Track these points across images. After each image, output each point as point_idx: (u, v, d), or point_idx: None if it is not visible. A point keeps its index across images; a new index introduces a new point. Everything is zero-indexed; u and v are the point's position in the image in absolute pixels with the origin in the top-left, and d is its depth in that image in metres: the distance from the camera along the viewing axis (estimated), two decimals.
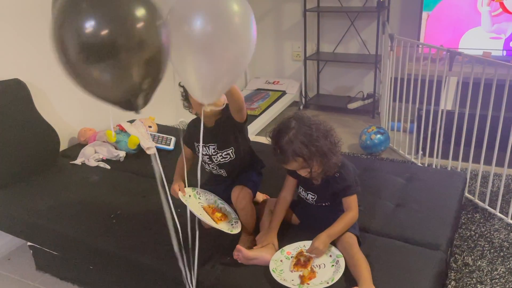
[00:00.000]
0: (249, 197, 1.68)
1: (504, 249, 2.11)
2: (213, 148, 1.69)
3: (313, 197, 1.69)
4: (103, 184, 2.22)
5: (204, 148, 1.70)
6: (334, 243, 1.60)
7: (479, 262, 2.04)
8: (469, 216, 2.38)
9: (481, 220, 2.34)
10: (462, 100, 2.51)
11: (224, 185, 1.78)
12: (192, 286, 1.52)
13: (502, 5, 3.11)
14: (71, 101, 2.57)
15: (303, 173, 1.57)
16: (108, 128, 2.54)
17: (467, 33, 3.32)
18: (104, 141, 2.52)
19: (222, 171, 1.76)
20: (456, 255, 2.08)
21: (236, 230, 1.64)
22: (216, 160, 1.71)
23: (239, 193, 1.66)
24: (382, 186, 2.05)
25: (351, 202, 1.62)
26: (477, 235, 2.23)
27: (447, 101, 2.67)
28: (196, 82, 1.30)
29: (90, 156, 2.41)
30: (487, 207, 2.43)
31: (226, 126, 1.65)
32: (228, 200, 1.74)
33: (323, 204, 1.70)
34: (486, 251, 2.11)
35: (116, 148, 2.49)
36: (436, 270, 1.52)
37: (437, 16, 3.36)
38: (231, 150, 1.69)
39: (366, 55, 4.01)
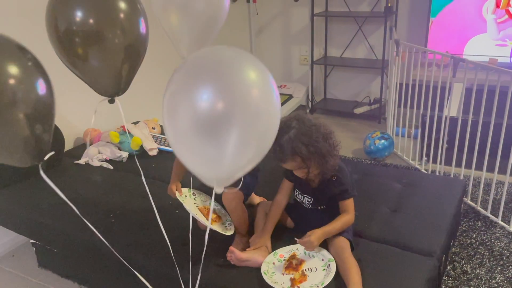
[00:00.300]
0: (239, 199, 1.69)
1: (504, 258, 2.09)
2: None
3: (309, 200, 1.70)
4: (105, 184, 2.26)
5: None
6: (326, 247, 1.60)
7: (478, 270, 2.02)
8: (470, 223, 2.36)
9: (482, 228, 2.32)
10: (466, 106, 2.49)
11: None
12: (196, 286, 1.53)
13: (508, 12, 3.08)
14: (77, 102, 2.61)
15: (300, 173, 1.58)
16: (113, 129, 2.58)
17: (473, 40, 3.29)
18: (107, 142, 2.56)
19: None
20: (455, 263, 2.07)
21: (230, 231, 1.66)
22: None
23: (229, 195, 1.67)
24: (380, 191, 2.05)
25: (348, 206, 1.63)
26: (477, 243, 2.21)
27: (451, 108, 2.65)
28: (206, 175, 1.07)
29: (93, 156, 2.45)
30: (489, 214, 2.41)
31: None
32: (222, 202, 1.75)
33: (319, 208, 1.71)
34: (485, 259, 2.09)
35: (119, 149, 2.53)
36: (428, 277, 1.51)
37: (440, 22, 3.34)
38: None
39: (374, 60, 4.00)
